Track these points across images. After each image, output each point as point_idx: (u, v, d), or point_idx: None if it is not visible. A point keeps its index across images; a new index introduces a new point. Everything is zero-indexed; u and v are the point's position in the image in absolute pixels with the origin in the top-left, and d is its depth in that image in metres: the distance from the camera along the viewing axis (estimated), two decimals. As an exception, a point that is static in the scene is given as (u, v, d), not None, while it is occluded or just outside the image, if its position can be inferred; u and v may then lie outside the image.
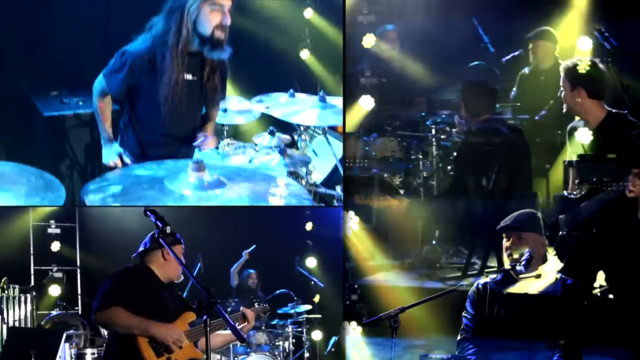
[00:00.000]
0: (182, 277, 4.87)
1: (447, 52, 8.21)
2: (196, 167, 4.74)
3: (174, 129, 5.48)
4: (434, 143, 7.99)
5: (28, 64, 7.51)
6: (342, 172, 6.41)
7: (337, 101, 6.19)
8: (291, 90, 6.21)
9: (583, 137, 5.56)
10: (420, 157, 8.05)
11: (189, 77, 5.34)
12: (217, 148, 5.88)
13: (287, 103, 6.03)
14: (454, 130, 7.88)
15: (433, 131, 7.97)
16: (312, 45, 7.89)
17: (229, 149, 5.98)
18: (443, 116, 7.98)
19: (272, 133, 6.11)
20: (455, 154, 7.82)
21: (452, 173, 7.86)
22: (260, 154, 5.90)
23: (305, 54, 7.84)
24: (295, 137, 6.60)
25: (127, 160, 5.57)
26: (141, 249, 4.84)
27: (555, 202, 5.60)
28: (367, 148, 8.06)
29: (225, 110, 6.43)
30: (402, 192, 7.96)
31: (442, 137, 7.98)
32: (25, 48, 7.48)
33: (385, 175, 8.01)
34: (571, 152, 5.90)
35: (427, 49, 8.23)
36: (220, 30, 5.23)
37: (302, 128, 6.56)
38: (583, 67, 5.57)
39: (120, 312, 4.57)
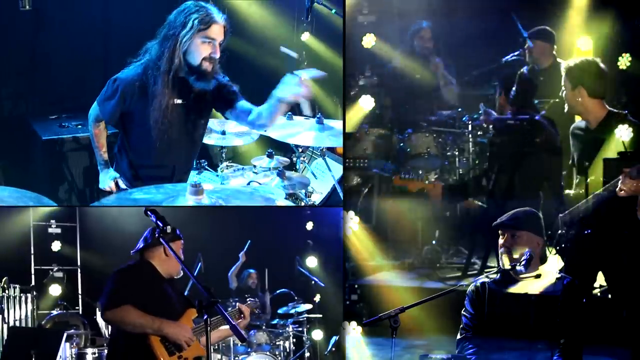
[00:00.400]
0: (182, 273, 4.87)
1: (471, 50, 8.22)
2: (194, 191, 4.75)
3: (167, 153, 5.52)
4: (471, 139, 7.96)
5: (27, 88, 7.56)
6: (341, 193, 6.43)
7: (335, 123, 6.25)
8: (289, 113, 6.22)
9: (624, 134, 5.53)
10: (456, 153, 8.03)
11: (178, 101, 5.39)
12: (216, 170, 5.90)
13: (285, 125, 6.06)
14: (480, 119, 7.81)
15: (469, 127, 7.94)
16: (310, 68, 7.91)
17: (227, 171, 5.99)
18: (480, 112, 7.87)
19: (270, 155, 6.15)
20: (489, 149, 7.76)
21: (489, 173, 7.77)
22: (258, 176, 5.94)
23: (303, 77, 7.83)
24: (294, 159, 6.62)
25: (123, 185, 5.65)
26: (141, 245, 4.83)
27: (595, 200, 5.52)
28: (402, 144, 8.04)
29: (223, 133, 6.46)
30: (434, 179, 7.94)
31: (479, 133, 7.94)
32: (24, 72, 7.52)
33: (420, 172, 8.00)
34: (574, 152, 5.90)
35: (455, 44, 8.27)
36: (209, 62, 5.30)
37: (300, 150, 6.60)
38: (623, 63, 5.58)
39: (132, 311, 4.56)
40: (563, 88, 5.74)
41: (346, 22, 6.90)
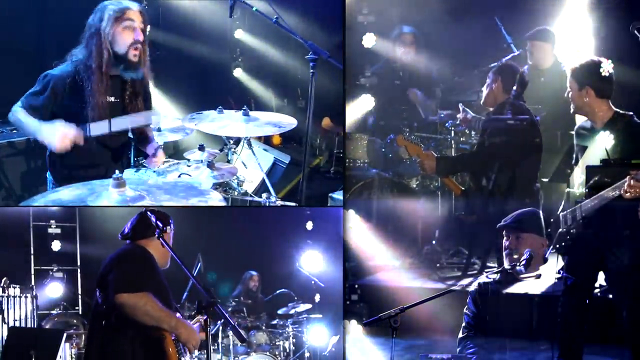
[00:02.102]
0: (169, 264, 4.72)
1: (460, 54, 8.21)
2: (116, 184, 4.75)
3: (101, 151, 5.50)
4: (453, 145, 7.91)
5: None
6: (267, 182, 6.64)
7: (260, 114, 6.60)
8: (220, 107, 6.54)
9: (606, 141, 5.53)
10: None
11: (112, 99, 5.39)
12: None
13: (214, 118, 6.39)
14: (458, 116, 7.74)
15: (452, 133, 7.91)
16: (244, 63, 8.25)
17: (164, 166, 6.12)
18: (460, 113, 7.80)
19: (201, 148, 6.36)
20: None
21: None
22: (190, 168, 6.13)
23: (238, 72, 8.20)
24: (225, 150, 6.84)
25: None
26: (138, 235, 4.68)
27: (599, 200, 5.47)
28: (383, 150, 8.04)
29: (159, 130, 6.59)
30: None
31: (462, 139, 7.90)
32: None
33: (403, 177, 7.99)
34: (577, 152, 5.89)
35: (439, 49, 8.26)
36: (135, 49, 5.30)
37: (232, 142, 6.87)
38: (606, 70, 5.57)
39: (154, 301, 4.34)
40: (569, 89, 5.72)
41: (344, 22, 6.92)
